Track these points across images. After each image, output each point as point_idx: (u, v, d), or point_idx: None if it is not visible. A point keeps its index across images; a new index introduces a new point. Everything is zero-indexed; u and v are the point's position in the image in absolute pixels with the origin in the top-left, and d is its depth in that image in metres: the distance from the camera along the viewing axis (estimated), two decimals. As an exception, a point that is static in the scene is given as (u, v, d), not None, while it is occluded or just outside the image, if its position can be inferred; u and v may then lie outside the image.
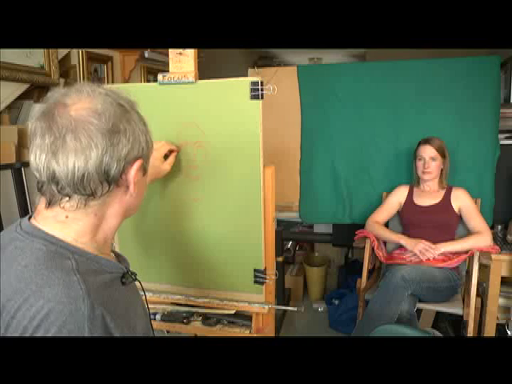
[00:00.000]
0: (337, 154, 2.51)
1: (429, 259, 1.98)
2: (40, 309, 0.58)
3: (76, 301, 0.59)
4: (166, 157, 1.32)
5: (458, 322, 2.18)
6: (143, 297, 0.81)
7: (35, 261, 0.62)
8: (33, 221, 0.69)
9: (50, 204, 0.67)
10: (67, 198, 0.66)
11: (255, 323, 1.43)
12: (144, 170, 0.73)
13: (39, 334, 0.57)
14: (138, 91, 1.46)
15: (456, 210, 2.10)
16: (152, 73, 2.89)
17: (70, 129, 0.62)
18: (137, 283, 0.80)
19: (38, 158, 0.64)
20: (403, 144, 2.37)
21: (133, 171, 0.69)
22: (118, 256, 0.81)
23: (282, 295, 2.63)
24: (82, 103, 0.64)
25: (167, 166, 1.31)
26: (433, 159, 2.10)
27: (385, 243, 2.26)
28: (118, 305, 0.67)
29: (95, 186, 0.65)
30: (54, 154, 0.62)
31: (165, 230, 1.47)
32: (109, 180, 0.66)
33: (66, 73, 2.20)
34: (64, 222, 0.67)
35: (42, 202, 0.69)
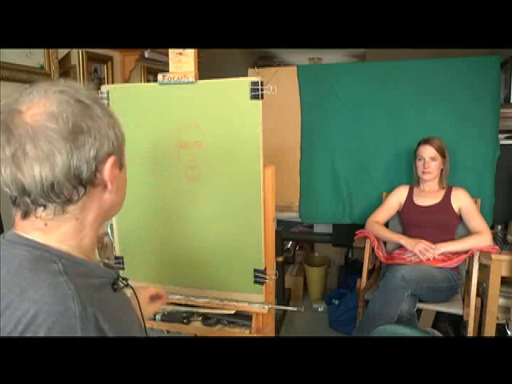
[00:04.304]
0: (337, 154, 2.51)
1: (429, 259, 1.98)
2: (25, 312, 0.55)
3: (65, 300, 0.56)
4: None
5: (458, 322, 2.18)
6: (136, 303, 0.78)
7: (18, 265, 0.60)
8: (14, 231, 0.66)
9: (25, 215, 0.64)
10: (42, 208, 0.62)
11: (255, 323, 1.43)
12: (120, 165, 0.69)
13: None
14: (138, 91, 1.46)
15: (456, 209, 2.10)
16: (152, 73, 2.88)
17: (29, 137, 0.58)
18: (132, 287, 0.77)
19: (4, 173, 0.60)
20: (403, 144, 2.37)
21: (107, 169, 0.65)
22: (107, 265, 0.78)
23: (282, 295, 2.63)
24: (36, 107, 0.60)
25: (151, 309, 1.18)
26: (433, 159, 2.10)
27: (385, 243, 2.26)
28: (111, 309, 0.63)
29: (69, 191, 0.62)
30: (18, 167, 0.59)
31: (165, 230, 1.47)
32: (82, 183, 0.62)
33: (66, 73, 2.20)
34: (44, 230, 0.64)
35: (17, 214, 0.65)
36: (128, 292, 0.77)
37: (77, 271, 0.62)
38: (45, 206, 0.62)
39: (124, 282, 0.72)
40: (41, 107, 0.60)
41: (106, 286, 0.67)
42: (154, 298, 1.16)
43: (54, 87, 0.63)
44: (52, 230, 0.64)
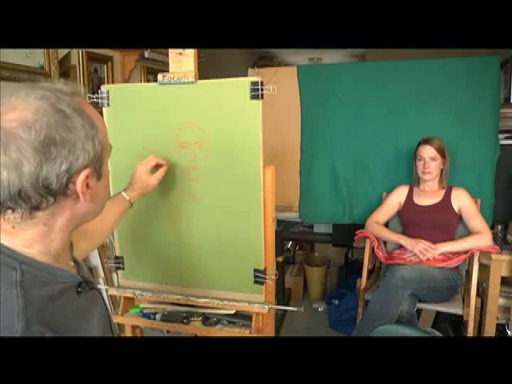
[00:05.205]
0: (337, 154, 2.51)
1: (429, 259, 1.98)
2: None
3: (10, 318, 0.57)
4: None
5: (458, 322, 2.18)
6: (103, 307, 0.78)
7: None
8: None
9: None
10: (10, 211, 0.63)
11: (255, 323, 1.43)
12: (98, 175, 0.68)
13: None
14: (138, 91, 1.46)
15: (456, 209, 2.10)
16: (152, 73, 2.89)
17: (1, 143, 0.58)
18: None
19: None
20: (403, 144, 2.37)
21: (79, 182, 0.64)
22: (77, 264, 0.78)
23: (282, 295, 2.63)
24: (14, 112, 0.60)
25: (154, 179, 1.28)
26: (433, 159, 2.10)
27: (385, 243, 2.26)
28: (66, 318, 0.64)
29: (36, 200, 0.62)
30: None
31: (165, 230, 1.47)
32: (52, 193, 0.62)
33: (66, 73, 2.20)
34: (10, 232, 0.64)
35: None
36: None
37: (36, 279, 0.63)
38: (13, 210, 0.63)
39: (89, 285, 0.73)
40: (17, 113, 0.60)
41: (68, 291, 0.68)
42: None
43: (37, 92, 0.62)
44: (18, 233, 0.64)
